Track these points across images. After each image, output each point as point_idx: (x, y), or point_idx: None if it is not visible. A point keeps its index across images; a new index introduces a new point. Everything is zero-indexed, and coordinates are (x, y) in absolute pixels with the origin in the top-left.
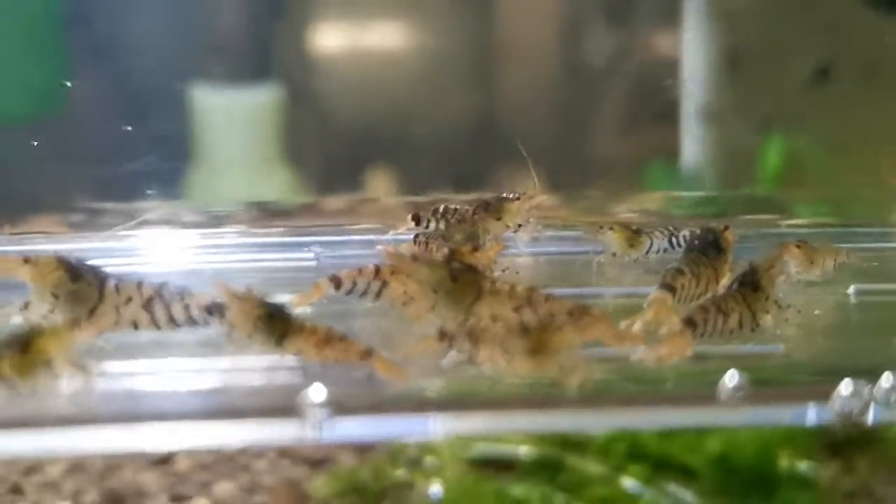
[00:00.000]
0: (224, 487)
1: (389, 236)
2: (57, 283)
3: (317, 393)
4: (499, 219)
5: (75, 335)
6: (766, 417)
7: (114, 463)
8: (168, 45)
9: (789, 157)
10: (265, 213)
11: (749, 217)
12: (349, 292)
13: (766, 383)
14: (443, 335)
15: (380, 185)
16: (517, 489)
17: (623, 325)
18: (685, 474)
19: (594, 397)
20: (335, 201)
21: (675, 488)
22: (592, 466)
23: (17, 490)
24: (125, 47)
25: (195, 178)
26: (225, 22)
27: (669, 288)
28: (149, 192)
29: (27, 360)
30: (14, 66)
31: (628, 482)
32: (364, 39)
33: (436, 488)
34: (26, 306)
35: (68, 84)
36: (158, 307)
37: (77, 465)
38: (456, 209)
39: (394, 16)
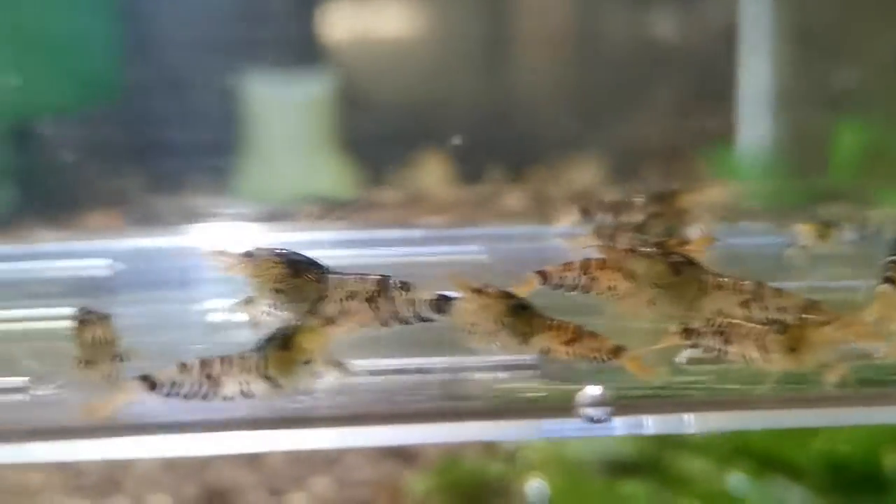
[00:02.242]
0: (320, 482)
1: (557, 229)
2: (278, 279)
3: (593, 391)
4: (661, 214)
5: (331, 332)
6: None
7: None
8: (220, 34)
9: (867, 143)
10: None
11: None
12: (557, 287)
13: None
14: (688, 332)
15: (433, 173)
16: (625, 487)
17: None
18: (790, 472)
19: (853, 394)
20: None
21: (781, 486)
22: (696, 463)
23: (115, 483)
24: (176, 37)
25: (247, 169)
26: (275, 10)
27: (893, 282)
28: (202, 183)
29: (289, 357)
30: (69, 55)
31: (734, 479)
32: (416, 24)
33: (536, 485)
34: (249, 302)
35: None
36: (383, 302)
37: (172, 460)
38: (625, 201)
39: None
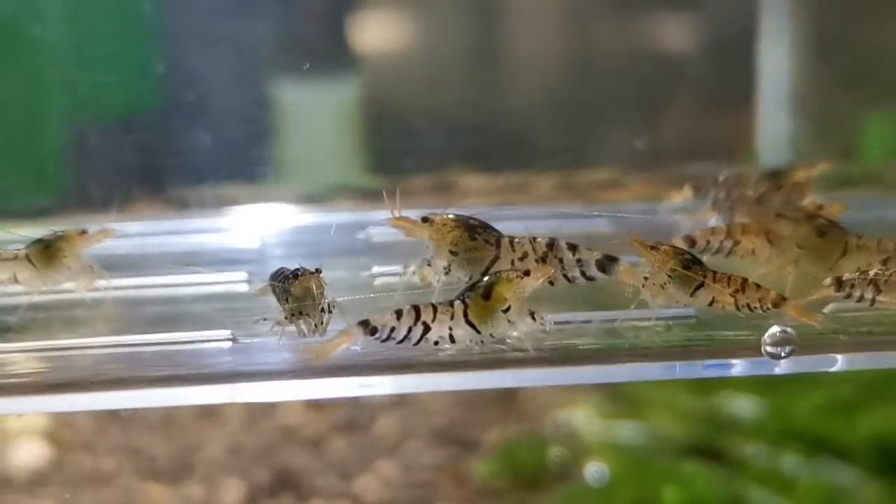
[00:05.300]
0: (386, 466)
1: (669, 205)
2: (456, 241)
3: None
4: (780, 188)
5: (526, 283)
6: None
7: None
8: (254, 40)
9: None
10: None
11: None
12: (703, 251)
13: None
14: (840, 283)
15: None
16: (683, 468)
17: None
18: (839, 453)
19: None
20: None
21: (832, 466)
22: (750, 446)
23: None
24: (210, 43)
25: (278, 174)
26: (304, 14)
27: None
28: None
29: (489, 306)
30: (108, 61)
31: (787, 461)
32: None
33: (596, 468)
34: (427, 263)
35: None
36: (553, 263)
37: (238, 445)
38: (738, 177)
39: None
